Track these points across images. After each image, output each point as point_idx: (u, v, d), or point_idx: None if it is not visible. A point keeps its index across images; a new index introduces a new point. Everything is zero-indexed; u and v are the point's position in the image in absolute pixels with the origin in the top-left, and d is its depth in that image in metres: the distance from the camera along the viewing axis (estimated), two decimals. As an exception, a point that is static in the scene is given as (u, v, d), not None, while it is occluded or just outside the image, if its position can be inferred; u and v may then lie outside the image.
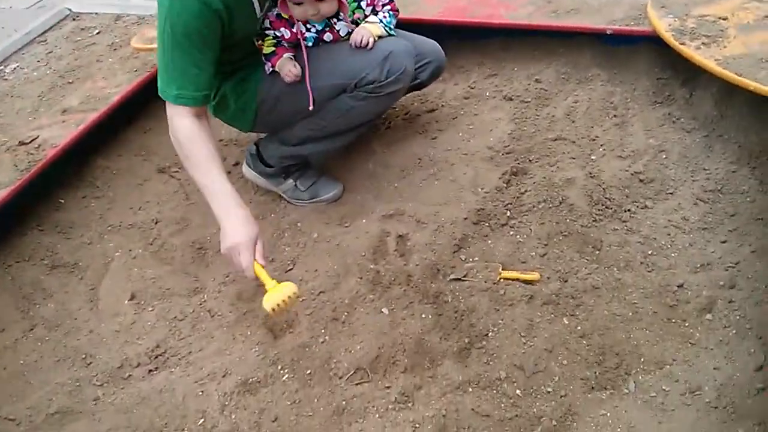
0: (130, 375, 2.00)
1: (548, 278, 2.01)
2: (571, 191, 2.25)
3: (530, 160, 2.43)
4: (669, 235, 2.10)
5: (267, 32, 2.21)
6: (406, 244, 2.22)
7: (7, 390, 1.99)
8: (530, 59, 2.91)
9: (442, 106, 2.81)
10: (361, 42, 2.13)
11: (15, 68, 3.55)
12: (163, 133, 2.93)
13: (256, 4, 2.08)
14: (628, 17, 2.71)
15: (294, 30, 2.18)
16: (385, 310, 2.01)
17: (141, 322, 2.14)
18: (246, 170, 2.53)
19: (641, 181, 2.28)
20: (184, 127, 1.95)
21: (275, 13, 2.18)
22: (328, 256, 2.23)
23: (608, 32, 2.66)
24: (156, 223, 2.51)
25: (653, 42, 2.64)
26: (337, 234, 2.31)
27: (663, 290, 1.93)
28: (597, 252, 2.07)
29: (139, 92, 2.87)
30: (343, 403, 1.79)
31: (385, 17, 2.21)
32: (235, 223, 1.86)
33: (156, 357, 2.04)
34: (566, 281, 1.99)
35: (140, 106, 2.95)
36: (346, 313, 2.02)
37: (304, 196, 2.46)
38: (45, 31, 3.98)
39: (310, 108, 2.20)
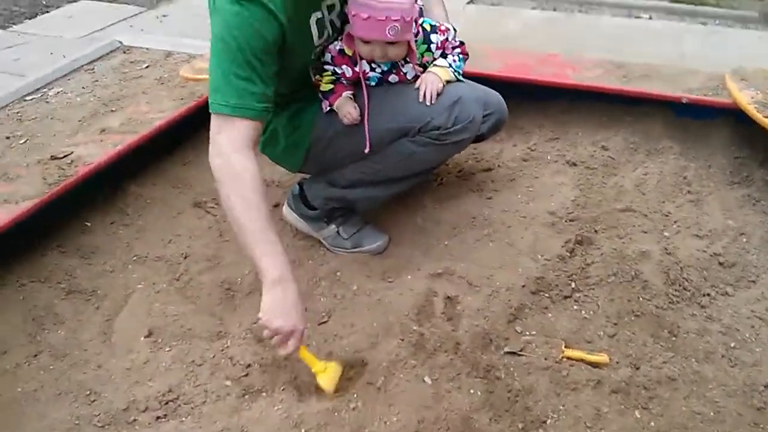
0: (135, 419, 1.78)
1: (617, 363, 1.78)
2: (645, 266, 2.03)
3: (596, 231, 2.23)
4: (753, 327, 1.87)
5: (326, 67, 2.06)
6: (455, 307, 2.01)
7: (-1, 419, 1.79)
8: (596, 125, 2.74)
9: (499, 166, 2.64)
10: (426, 93, 1.97)
11: (59, 92, 3.46)
12: (203, 166, 2.77)
13: (314, 30, 1.93)
14: (704, 87, 2.55)
15: (357, 69, 2.03)
16: (427, 379, 1.78)
17: (155, 362, 1.94)
18: (287, 211, 2.35)
19: (721, 264, 2.07)
20: (245, 162, 1.72)
21: (338, 48, 2.03)
22: (368, 311, 2.02)
23: (684, 101, 2.49)
24: (185, 257, 2.33)
25: (730, 116, 2.48)
26: (378, 288, 2.11)
27: (748, 389, 1.69)
28: (673, 338, 1.84)
29: (184, 120, 2.74)
30: (375, 482, 1.56)
31: (454, 61, 2.06)
32: (289, 300, 1.69)
33: (167, 403, 1.82)
34: (638, 368, 1.76)
35: (183, 135, 2.81)
36: (383, 378, 1.80)
37: (346, 245, 2.27)
38: (93, 61, 3.92)
39: (366, 151, 2.04)
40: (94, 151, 2.48)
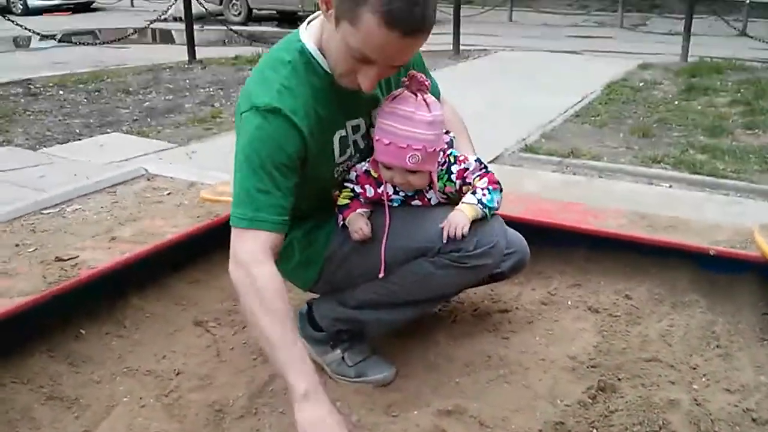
0: None
1: None
2: (673, 416, 1.85)
3: (620, 379, 2.07)
4: (795, 493, 1.67)
5: (347, 185, 2.03)
6: (464, 449, 1.83)
7: None
8: (619, 275, 2.65)
9: (517, 308, 2.52)
10: (449, 233, 1.89)
11: (77, 209, 3.49)
12: (210, 286, 2.70)
13: (336, 148, 1.92)
14: (732, 240, 2.48)
15: (380, 190, 1.99)
16: None
17: (129, 482, 1.75)
18: None
19: (754, 420, 1.89)
20: (266, 274, 1.69)
21: (364, 169, 2.02)
22: (368, 447, 1.84)
23: (711, 253, 2.41)
24: (177, 374, 2.18)
25: (758, 271, 2.39)
26: (381, 423, 1.94)
27: None
28: (707, 498, 1.63)
29: (197, 237, 2.69)
30: None
31: (484, 195, 1.94)
32: (322, 414, 1.61)
33: None
34: None
35: (194, 254, 2.75)
36: None
37: (350, 373, 2.13)
38: (116, 184, 4.00)
39: (380, 275, 1.95)
40: (100, 257, 2.42)
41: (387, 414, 1.99)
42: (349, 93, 1.84)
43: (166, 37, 13.65)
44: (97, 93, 7.31)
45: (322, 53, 1.79)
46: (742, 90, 7.50)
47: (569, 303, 2.53)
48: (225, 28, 12.20)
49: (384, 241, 1.94)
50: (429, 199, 2.01)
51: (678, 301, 2.48)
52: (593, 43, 12.26)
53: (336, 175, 1.99)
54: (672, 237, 2.54)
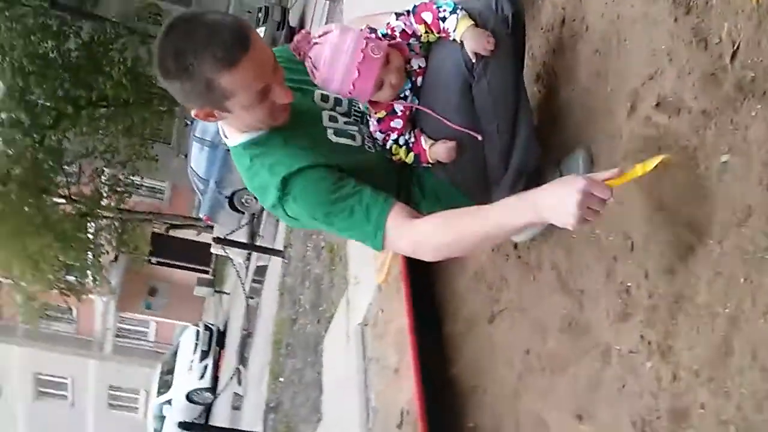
0: None
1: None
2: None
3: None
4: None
5: (387, 143, 1.95)
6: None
7: None
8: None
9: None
10: (486, 50, 1.77)
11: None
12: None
13: (325, 120, 1.91)
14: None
15: (399, 113, 1.92)
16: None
17: None
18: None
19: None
20: (428, 218, 1.70)
21: (375, 119, 1.94)
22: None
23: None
24: None
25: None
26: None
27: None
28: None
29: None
30: None
31: (446, 11, 1.80)
32: (552, 193, 1.49)
33: None
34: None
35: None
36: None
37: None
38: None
39: (479, 138, 1.87)
40: None
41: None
42: (297, 112, 1.85)
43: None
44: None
45: (250, 132, 1.80)
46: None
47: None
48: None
49: (453, 123, 1.86)
50: (420, 68, 1.91)
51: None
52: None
53: (367, 147, 1.94)
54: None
